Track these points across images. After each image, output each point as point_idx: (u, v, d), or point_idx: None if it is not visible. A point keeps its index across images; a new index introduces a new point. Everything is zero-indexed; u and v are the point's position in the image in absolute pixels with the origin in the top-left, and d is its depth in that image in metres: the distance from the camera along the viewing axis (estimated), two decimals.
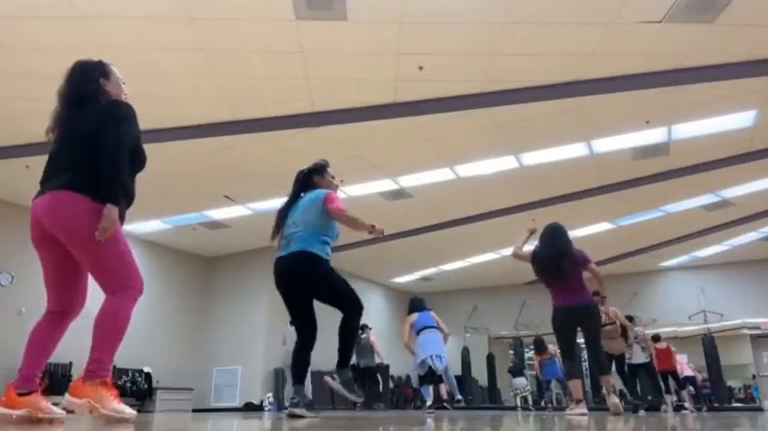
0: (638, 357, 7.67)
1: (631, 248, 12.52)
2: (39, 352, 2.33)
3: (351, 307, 3.45)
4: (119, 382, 9.89)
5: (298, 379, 3.56)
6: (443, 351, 6.92)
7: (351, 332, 3.52)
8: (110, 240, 2.22)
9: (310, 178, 3.78)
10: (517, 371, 12.60)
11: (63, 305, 2.38)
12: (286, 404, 3.31)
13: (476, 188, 9.10)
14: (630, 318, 7.98)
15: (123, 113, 2.37)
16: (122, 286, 2.29)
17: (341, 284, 3.45)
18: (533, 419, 4.13)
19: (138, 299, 2.35)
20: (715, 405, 11.58)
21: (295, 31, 5.24)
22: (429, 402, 7.03)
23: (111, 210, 2.20)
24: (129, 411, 2.21)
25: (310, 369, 4.14)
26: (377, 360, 9.97)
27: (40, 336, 2.34)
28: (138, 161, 2.42)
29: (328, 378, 3.58)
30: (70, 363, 8.89)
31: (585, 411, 4.70)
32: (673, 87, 6.19)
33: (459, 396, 7.84)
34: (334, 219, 3.49)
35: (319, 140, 7.14)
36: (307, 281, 3.41)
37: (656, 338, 9.28)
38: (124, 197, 2.30)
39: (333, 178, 3.87)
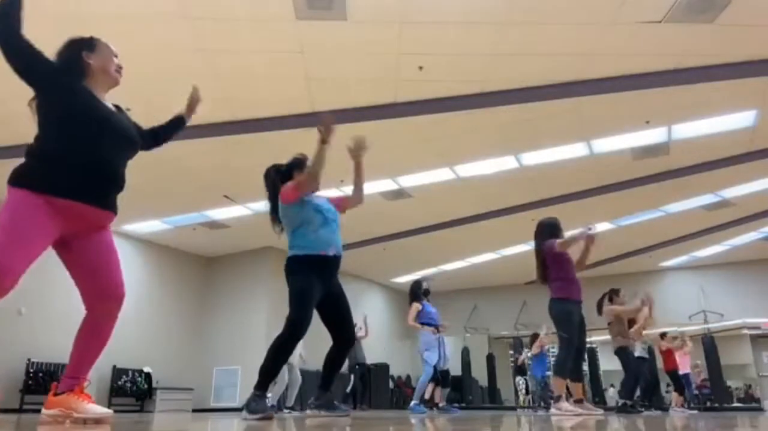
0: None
1: (631, 248, 12.51)
2: (75, 351, 2.27)
3: (286, 322, 3.15)
4: (119, 382, 9.91)
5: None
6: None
7: (271, 347, 3.12)
8: None
9: (289, 176, 3.54)
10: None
11: (84, 301, 2.28)
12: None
13: (476, 188, 9.10)
14: None
15: None
16: None
17: (291, 292, 3.20)
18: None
19: None
20: (715, 405, 11.59)
21: (295, 31, 5.25)
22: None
23: None
24: None
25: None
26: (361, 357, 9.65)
27: (77, 334, 2.28)
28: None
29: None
30: None
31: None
32: (673, 87, 6.18)
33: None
34: (288, 200, 3.37)
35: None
36: None
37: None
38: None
39: None
